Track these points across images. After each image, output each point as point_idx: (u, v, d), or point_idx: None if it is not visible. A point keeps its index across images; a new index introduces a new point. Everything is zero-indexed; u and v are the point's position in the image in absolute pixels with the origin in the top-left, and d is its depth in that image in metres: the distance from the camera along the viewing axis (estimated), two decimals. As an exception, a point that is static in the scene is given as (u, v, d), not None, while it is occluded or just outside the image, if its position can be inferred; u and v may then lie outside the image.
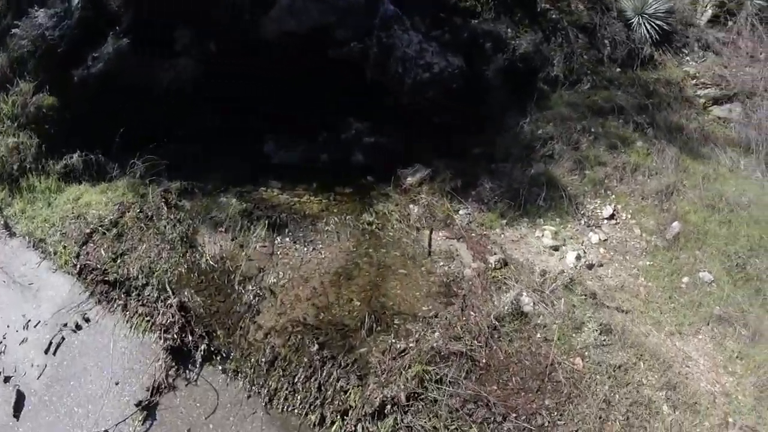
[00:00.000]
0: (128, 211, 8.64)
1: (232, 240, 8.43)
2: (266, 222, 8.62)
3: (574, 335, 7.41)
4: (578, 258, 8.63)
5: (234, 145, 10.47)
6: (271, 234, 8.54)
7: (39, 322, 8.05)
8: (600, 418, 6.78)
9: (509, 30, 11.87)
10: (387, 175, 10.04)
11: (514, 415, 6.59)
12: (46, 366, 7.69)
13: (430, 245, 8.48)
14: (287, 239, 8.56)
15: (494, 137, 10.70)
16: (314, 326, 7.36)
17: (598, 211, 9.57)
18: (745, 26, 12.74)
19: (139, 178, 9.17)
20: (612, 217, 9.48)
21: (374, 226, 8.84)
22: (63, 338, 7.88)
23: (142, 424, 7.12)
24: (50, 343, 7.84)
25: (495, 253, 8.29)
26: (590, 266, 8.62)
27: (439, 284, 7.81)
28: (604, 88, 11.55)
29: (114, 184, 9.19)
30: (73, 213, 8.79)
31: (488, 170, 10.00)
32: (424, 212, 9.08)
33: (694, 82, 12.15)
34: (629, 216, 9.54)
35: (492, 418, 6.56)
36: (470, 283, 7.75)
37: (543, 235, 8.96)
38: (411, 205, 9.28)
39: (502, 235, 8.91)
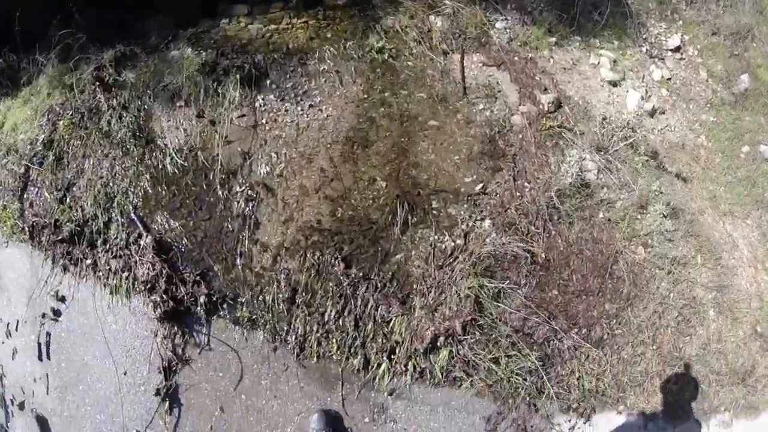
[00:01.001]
0: (60, 119, 5.80)
1: (198, 117, 5.62)
2: (238, 76, 5.71)
3: (639, 217, 5.68)
4: (641, 100, 6.60)
5: None
6: (249, 93, 5.70)
7: (18, 321, 5.77)
8: (654, 324, 5.47)
9: None
10: None
11: (575, 329, 5.01)
12: (47, 376, 5.62)
13: (463, 78, 5.94)
14: (271, 96, 5.71)
15: None
16: (333, 231, 5.12)
17: (663, 38, 7.37)
18: None
19: (61, 62, 6.18)
20: (678, 49, 7.35)
21: (386, 54, 6.05)
22: (48, 334, 5.61)
23: (170, 415, 5.24)
24: (38, 345, 5.63)
25: (546, 90, 6.04)
26: (652, 113, 6.66)
27: (482, 139, 5.52)
28: None
29: (35, 85, 6.25)
30: (1, 148, 6.04)
31: None
32: (451, 26, 6.37)
33: None
34: (696, 53, 7.47)
35: (553, 336, 4.96)
36: (520, 136, 5.54)
37: (600, 63, 6.72)
38: (432, 16, 6.48)
39: (551, 60, 6.55)
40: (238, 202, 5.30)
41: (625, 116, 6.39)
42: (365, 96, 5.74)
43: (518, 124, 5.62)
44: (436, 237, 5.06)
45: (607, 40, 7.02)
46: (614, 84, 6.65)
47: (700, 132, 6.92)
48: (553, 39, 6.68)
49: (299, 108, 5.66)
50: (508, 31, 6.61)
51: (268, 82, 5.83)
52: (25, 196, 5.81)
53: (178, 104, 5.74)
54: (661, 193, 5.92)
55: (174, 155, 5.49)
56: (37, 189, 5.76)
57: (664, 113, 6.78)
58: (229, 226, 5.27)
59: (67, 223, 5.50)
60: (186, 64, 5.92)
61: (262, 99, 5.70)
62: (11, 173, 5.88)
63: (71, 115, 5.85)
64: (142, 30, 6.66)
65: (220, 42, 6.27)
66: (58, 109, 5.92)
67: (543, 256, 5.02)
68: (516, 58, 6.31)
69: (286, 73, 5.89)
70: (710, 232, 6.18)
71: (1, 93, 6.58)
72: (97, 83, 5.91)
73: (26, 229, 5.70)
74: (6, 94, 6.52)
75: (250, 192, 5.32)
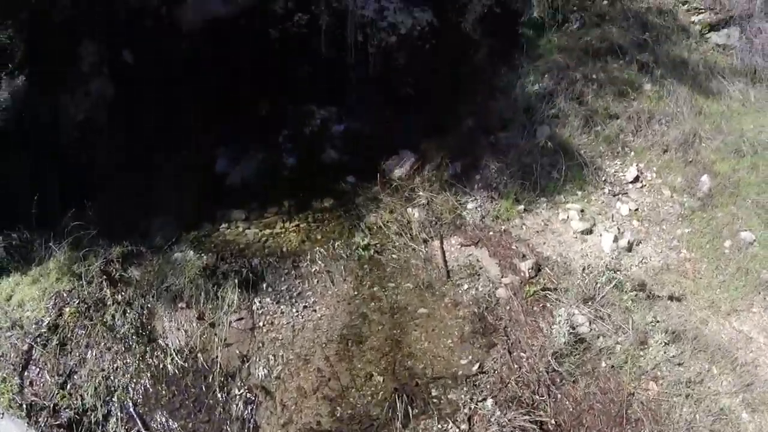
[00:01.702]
0: (66, 306, 6.34)
1: (199, 319, 6.15)
2: (236, 280, 6.31)
3: (641, 354, 5.86)
4: (615, 240, 7.01)
5: (178, 174, 8.22)
6: (247, 296, 6.27)
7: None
8: (689, 452, 5.40)
9: (478, -30, 9.77)
10: (369, 171, 8.00)
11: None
12: None
13: (445, 263, 6.55)
14: (268, 300, 6.30)
15: (486, 102, 8.72)
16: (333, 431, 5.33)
17: (621, 174, 7.94)
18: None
19: (71, 250, 6.82)
20: (637, 179, 7.89)
21: (372, 250, 6.76)
22: None
23: None
24: None
25: (524, 256, 6.54)
26: (629, 247, 7.04)
27: (472, 319, 5.93)
28: (595, 25, 9.62)
29: (45, 267, 6.83)
30: (6, 321, 6.45)
31: (488, 144, 8.08)
32: (427, 215, 7.14)
33: (686, 7, 10.37)
34: (654, 175, 7.98)
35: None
36: (508, 308, 5.97)
37: (569, 217, 7.26)
38: (409, 209, 7.30)
39: (524, 227, 7.13)
40: (237, 405, 5.57)
41: (604, 260, 6.76)
42: (355, 293, 6.26)
43: (504, 296, 6.05)
44: (439, 426, 5.23)
45: (571, 193, 7.58)
46: (587, 232, 7.12)
47: (680, 247, 7.18)
48: (522, 206, 7.31)
49: (294, 310, 6.17)
50: (479, 209, 7.30)
51: (264, 285, 6.39)
52: (26, 373, 6.05)
53: (179, 305, 6.25)
54: (658, 321, 6.13)
55: (175, 356, 5.88)
56: (38, 369, 6.05)
57: (640, 243, 7.14)
58: (229, 429, 5.48)
59: (67, 410, 5.73)
60: (188, 267, 6.52)
61: (259, 302, 6.24)
62: (14, 348, 6.18)
63: (78, 303, 6.30)
64: (147, 229, 7.48)
65: (220, 246, 6.99)
66: (65, 295, 6.38)
67: (553, 422, 5.18)
68: (491, 233, 6.89)
69: (280, 275, 6.47)
70: (718, 339, 6.25)
71: (11, 266, 7.04)
72: (105, 277, 6.45)
73: (24, 406, 5.87)
74: (16, 269, 6.98)
75: (248, 395, 5.62)
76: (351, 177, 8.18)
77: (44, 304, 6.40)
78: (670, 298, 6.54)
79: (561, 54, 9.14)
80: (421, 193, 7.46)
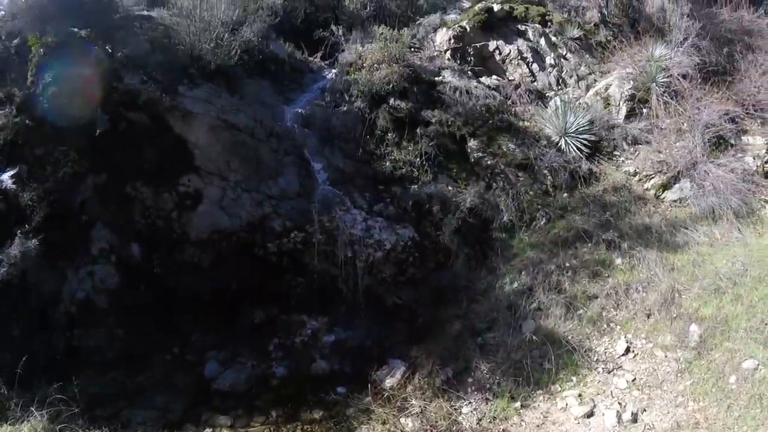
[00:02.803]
0: None
1: None
2: None
3: None
4: (618, 416, 7.00)
5: (167, 371, 8.57)
6: None
7: None
8: None
9: (450, 188, 11.01)
10: (360, 381, 8.21)
11: None
12: None
13: None
14: None
15: (469, 305, 9.27)
16: None
17: (611, 350, 8.10)
18: (660, 106, 12.30)
19: (50, 422, 6.70)
20: (628, 350, 8.01)
21: None
22: None
23: None
24: None
25: (524, 454, 6.62)
26: (634, 418, 6.97)
27: None
28: (560, 217, 10.52)
29: (17, 429, 6.69)
30: None
31: (476, 346, 8.41)
32: (422, 423, 7.23)
33: (637, 178, 11.38)
34: (644, 341, 8.11)
35: None
36: None
37: (567, 404, 7.32)
38: (402, 419, 7.40)
39: (523, 423, 7.20)
40: None
41: (612, 438, 6.68)
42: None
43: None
44: None
45: (566, 380, 7.70)
46: (588, 415, 7.12)
47: (685, 401, 7.03)
48: (518, 403, 7.45)
49: None
50: (475, 412, 7.43)
51: None
52: None
53: None
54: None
55: None
56: None
57: (645, 411, 7.07)
58: None
59: None
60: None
61: None
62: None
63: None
64: (128, 419, 7.44)
65: None
66: None
67: None
68: (491, 435, 7.02)
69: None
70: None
71: None
72: None
73: None
74: None
75: None
76: (341, 387, 8.30)
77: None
78: (690, 459, 6.36)
79: (534, 250, 9.87)
80: (413, 402, 7.60)
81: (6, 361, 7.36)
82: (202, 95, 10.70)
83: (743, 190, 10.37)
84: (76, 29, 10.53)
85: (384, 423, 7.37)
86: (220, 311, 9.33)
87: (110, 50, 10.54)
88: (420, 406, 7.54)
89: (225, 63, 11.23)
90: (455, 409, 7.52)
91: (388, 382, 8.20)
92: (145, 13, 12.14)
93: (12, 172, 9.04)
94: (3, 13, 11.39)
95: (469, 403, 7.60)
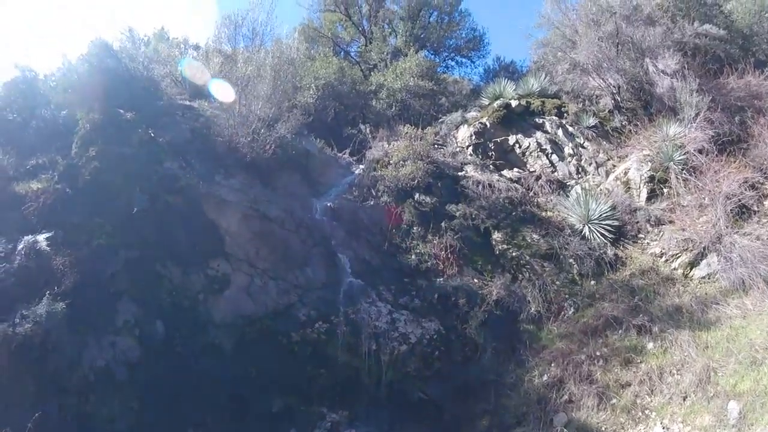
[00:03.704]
0: None
1: None
2: None
3: None
4: None
5: None
6: None
7: None
8: None
9: (475, 280, 11.07)
10: None
11: None
12: None
13: None
14: None
15: (498, 400, 9.05)
16: None
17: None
18: (680, 184, 12.32)
19: None
20: None
21: None
22: None
23: None
24: None
25: None
26: None
27: None
28: (588, 306, 10.42)
29: None
30: None
31: None
32: None
33: (663, 259, 11.25)
34: (681, 425, 7.72)
35: None
36: None
37: None
38: None
39: None
40: None
41: None
42: None
43: None
44: None
45: None
46: None
47: None
48: None
49: None
50: None
51: None
52: None
53: None
54: None
55: None
56: None
57: None
58: None
59: None
60: None
61: None
62: None
63: None
64: None
65: None
66: None
67: None
68: None
69: None
70: None
71: None
72: None
73: None
74: None
75: None
76: None
77: None
78: None
79: (563, 341, 9.74)
80: None
81: (17, 418, 7.42)
82: (237, 185, 11.35)
83: (771, 256, 10.02)
84: (122, 110, 11.44)
85: None
86: (239, 399, 9.18)
87: (152, 134, 11.31)
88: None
89: (260, 156, 12.00)
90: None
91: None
92: (188, 103, 13.24)
93: (47, 235, 9.40)
94: (55, 84, 12.58)
95: None
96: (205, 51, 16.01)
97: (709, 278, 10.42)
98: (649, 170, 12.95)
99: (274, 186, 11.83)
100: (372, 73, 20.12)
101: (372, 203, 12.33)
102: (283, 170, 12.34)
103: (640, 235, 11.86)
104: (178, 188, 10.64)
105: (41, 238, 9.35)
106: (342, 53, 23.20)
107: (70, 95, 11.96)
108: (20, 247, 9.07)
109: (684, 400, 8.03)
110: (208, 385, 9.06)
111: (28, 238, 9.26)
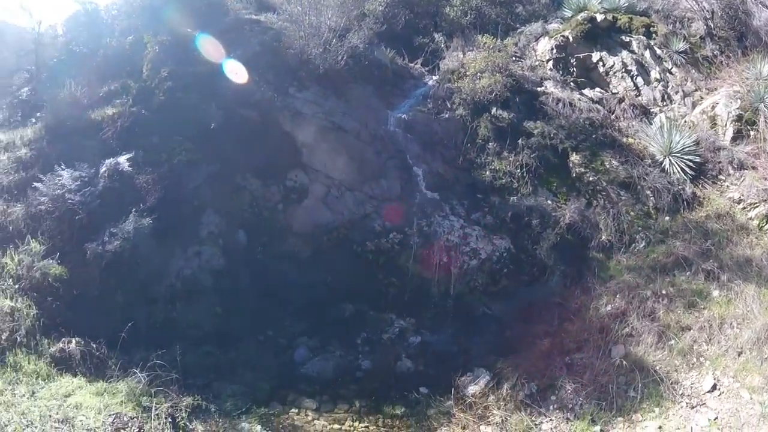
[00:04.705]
0: (124, 429, 6.24)
1: None
2: None
3: None
4: (694, 454, 6.96)
5: (258, 351, 8.93)
6: None
7: None
8: None
9: (549, 201, 11.07)
10: (443, 384, 8.30)
11: None
12: None
13: None
14: None
15: (561, 324, 9.30)
16: None
17: (698, 385, 7.93)
18: (768, 129, 11.71)
19: (145, 385, 7.11)
20: (714, 388, 7.81)
21: None
22: None
23: None
24: None
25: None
26: (710, 461, 6.85)
27: None
28: (660, 242, 10.40)
29: (113, 386, 7.09)
30: (58, 413, 6.30)
31: (564, 365, 8.45)
32: None
33: (741, 206, 10.97)
34: (732, 380, 7.85)
35: None
36: None
37: (645, 437, 7.30)
38: (482, 426, 7.61)
39: (602, 446, 7.37)
40: None
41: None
42: None
43: None
44: None
45: (648, 411, 7.64)
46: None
47: None
48: (598, 427, 7.53)
49: None
50: (554, 430, 7.59)
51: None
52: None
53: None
54: None
55: None
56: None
57: (720, 456, 6.89)
58: None
59: None
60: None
61: None
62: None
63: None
64: (219, 391, 7.90)
65: (288, 429, 7.39)
66: (125, 419, 6.28)
67: None
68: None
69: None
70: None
71: (82, 371, 7.36)
72: (170, 419, 6.50)
73: None
74: (85, 375, 7.29)
75: None
76: (424, 388, 8.48)
77: (102, 417, 6.40)
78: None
79: (630, 273, 9.85)
80: (495, 412, 7.79)
81: (109, 326, 8.02)
82: (311, 97, 11.38)
83: None
84: (189, 29, 11.37)
85: (464, 428, 7.61)
86: (314, 302, 9.73)
87: (223, 51, 11.19)
88: (501, 417, 7.73)
89: (332, 67, 11.81)
90: (535, 424, 7.67)
91: (471, 390, 8.36)
92: (254, 17, 12.92)
93: (128, 156, 9.73)
94: (117, 12, 12.49)
95: (550, 420, 7.74)
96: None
97: (785, 235, 10.22)
98: (737, 108, 12.33)
99: (347, 98, 11.72)
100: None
101: (447, 116, 12.11)
102: (356, 81, 12.18)
103: (721, 177, 11.54)
104: (252, 102, 10.76)
105: (122, 159, 9.64)
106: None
107: (135, 20, 11.84)
108: (102, 170, 9.39)
109: (739, 355, 8.06)
110: (286, 290, 9.66)
111: (110, 161, 9.55)
